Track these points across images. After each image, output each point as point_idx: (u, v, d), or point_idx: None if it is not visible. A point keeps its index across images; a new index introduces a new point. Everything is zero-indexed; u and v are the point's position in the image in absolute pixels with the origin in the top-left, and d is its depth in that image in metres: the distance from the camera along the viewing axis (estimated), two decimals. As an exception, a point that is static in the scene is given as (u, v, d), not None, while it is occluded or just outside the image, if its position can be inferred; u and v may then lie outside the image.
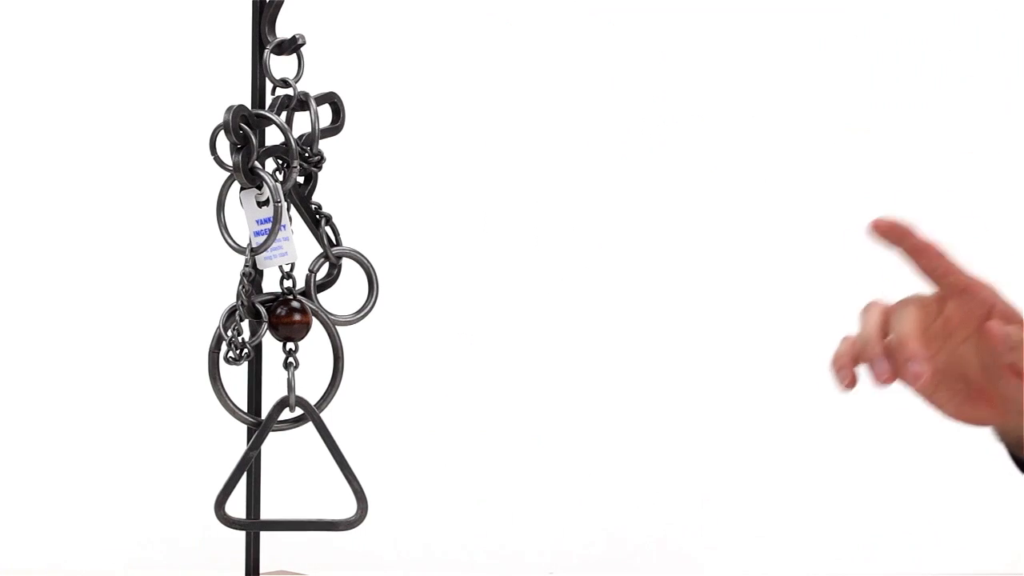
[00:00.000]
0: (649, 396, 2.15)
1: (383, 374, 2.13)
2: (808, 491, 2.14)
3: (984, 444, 2.14)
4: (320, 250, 1.28)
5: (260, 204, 1.22)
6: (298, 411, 1.33)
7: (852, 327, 2.18)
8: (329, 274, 1.29)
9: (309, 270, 1.27)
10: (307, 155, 1.24)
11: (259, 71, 1.22)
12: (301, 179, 1.25)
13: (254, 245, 1.21)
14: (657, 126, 2.14)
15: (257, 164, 1.21)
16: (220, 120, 1.19)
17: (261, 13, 1.20)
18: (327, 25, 1.90)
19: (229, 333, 1.23)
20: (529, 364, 2.13)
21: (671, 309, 2.15)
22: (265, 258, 1.23)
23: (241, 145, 1.19)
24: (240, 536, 1.43)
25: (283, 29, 1.26)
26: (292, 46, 1.22)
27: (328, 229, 1.28)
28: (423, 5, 2.10)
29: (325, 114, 1.26)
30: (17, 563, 2.09)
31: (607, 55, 2.12)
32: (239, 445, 1.44)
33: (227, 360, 1.24)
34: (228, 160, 1.21)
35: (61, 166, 2.13)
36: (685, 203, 2.16)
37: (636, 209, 2.15)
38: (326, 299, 1.29)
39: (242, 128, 1.19)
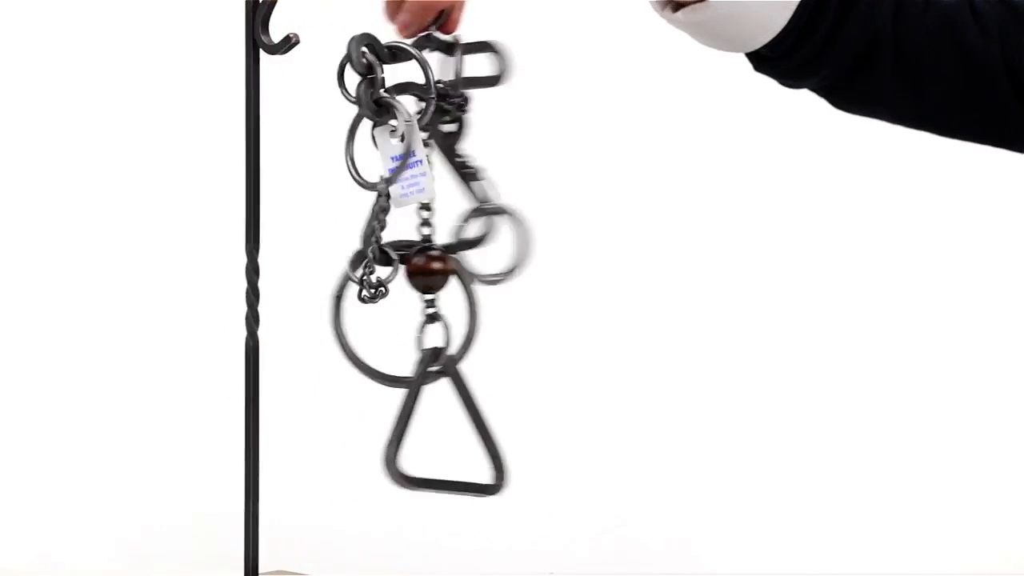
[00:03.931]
0: (652, 395, 2.15)
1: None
2: (810, 491, 2.14)
3: (985, 445, 2.15)
4: (473, 205, 1.18)
5: (394, 138, 1.14)
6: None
7: (853, 330, 2.18)
8: (479, 232, 1.16)
9: (458, 224, 1.15)
10: (448, 96, 1.15)
11: (253, 70, 1.21)
12: (450, 128, 1.16)
13: (388, 176, 1.12)
14: (662, 123, 2.14)
15: (385, 94, 1.14)
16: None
17: (254, 12, 1.20)
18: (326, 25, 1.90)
19: (360, 273, 1.14)
20: (531, 362, 2.13)
21: (679, 311, 2.15)
22: (401, 195, 1.14)
23: (366, 75, 1.12)
24: (240, 536, 1.43)
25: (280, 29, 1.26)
26: (286, 45, 1.21)
27: (478, 183, 1.16)
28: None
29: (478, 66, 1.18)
30: (17, 563, 2.09)
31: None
32: (239, 446, 1.43)
33: (361, 299, 1.15)
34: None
35: (61, 166, 2.14)
36: (690, 202, 2.16)
37: (654, 208, 2.15)
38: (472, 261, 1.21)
39: (365, 58, 1.12)
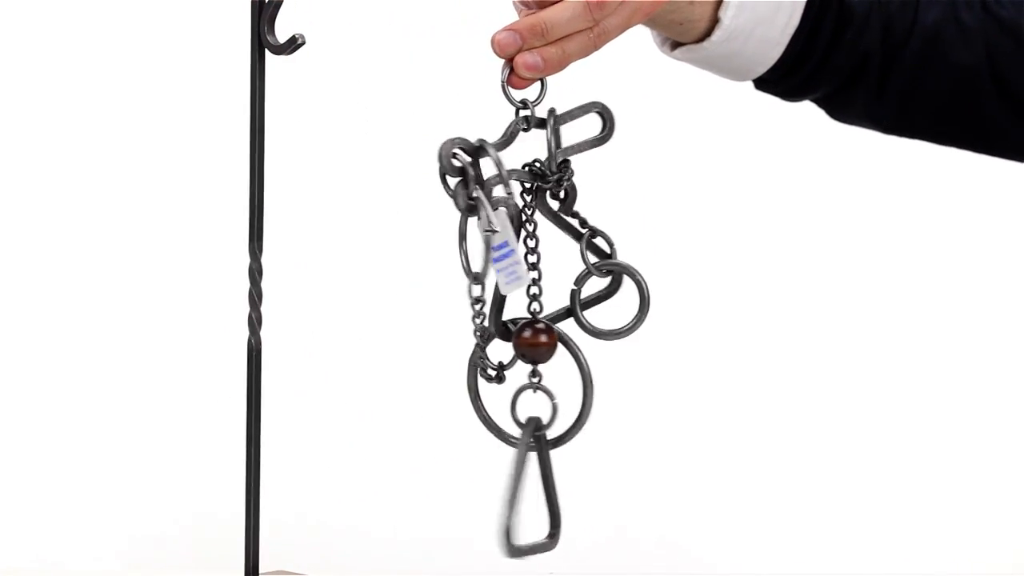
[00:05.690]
0: (652, 396, 2.15)
1: (379, 375, 2.13)
2: (810, 491, 2.14)
3: (988, 445, 2.15)
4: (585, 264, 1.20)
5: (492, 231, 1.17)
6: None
7: (853, 332, 2.18)
8: (603, 288, 1.21)
9: (575, 285, 1.19)
10: (545, 175, 1.17)
11: (258, 70, 1.21)
12: (555, 202, 1.18)
13: (479, 270, 1.16)
14: (667, 122, 2.14)
15: (480, 194, 1.15)
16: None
17: (260, 13, 1.19)
18: (331, 25, 1.90)
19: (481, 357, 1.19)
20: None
21: (677, 309, 2.14)
22: (506, 283, 1.17)
23: (460, 176, 1.14)
24: (240, 536, 1.43)
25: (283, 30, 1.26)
26: (291, 46, 1.21)
27: (597, 241, 1.18)
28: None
29: (591, 126, 1.19)
30: (17, 563, 2.09)
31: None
32: (240, 446, 1.43)
33: (488, 380, 1.20)
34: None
35: (63, 166, 2.13)
36: (690, 202, 2.16)
37: (650, 210, 2.15)
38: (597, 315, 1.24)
39: (457, 159, 1.14)
